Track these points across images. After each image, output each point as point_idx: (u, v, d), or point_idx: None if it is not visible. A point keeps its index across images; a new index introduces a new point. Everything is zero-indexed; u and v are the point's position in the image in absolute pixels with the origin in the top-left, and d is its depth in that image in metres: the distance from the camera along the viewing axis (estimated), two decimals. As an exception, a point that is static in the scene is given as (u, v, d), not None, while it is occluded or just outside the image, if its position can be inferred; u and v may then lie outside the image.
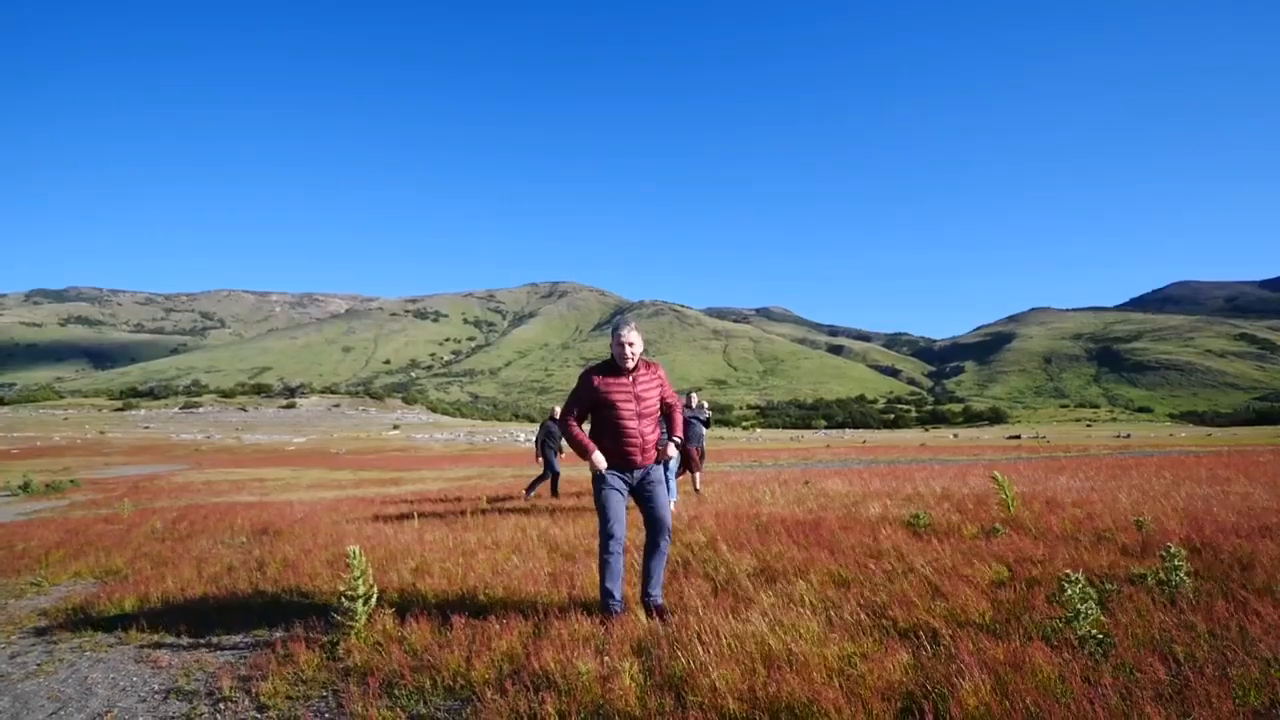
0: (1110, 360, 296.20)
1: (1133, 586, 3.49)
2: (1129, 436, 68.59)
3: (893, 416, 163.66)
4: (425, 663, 3.18)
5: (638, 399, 3.73)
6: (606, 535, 3.67)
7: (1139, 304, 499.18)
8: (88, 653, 3.90)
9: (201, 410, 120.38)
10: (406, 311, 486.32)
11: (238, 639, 3.95)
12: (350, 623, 3.67)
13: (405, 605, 4.15)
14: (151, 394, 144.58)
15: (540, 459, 10.90)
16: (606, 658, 2.96)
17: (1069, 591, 2.84)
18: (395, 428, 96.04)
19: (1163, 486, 8.68)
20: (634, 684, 2.64)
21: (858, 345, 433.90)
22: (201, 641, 3.94)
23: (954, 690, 2.34)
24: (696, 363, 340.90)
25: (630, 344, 3.68)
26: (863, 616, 3.30)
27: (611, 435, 3.72)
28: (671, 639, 3.13)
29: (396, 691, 2.94)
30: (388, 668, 3.16)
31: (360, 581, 3.75)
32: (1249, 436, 59.34)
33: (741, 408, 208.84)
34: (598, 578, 3.74)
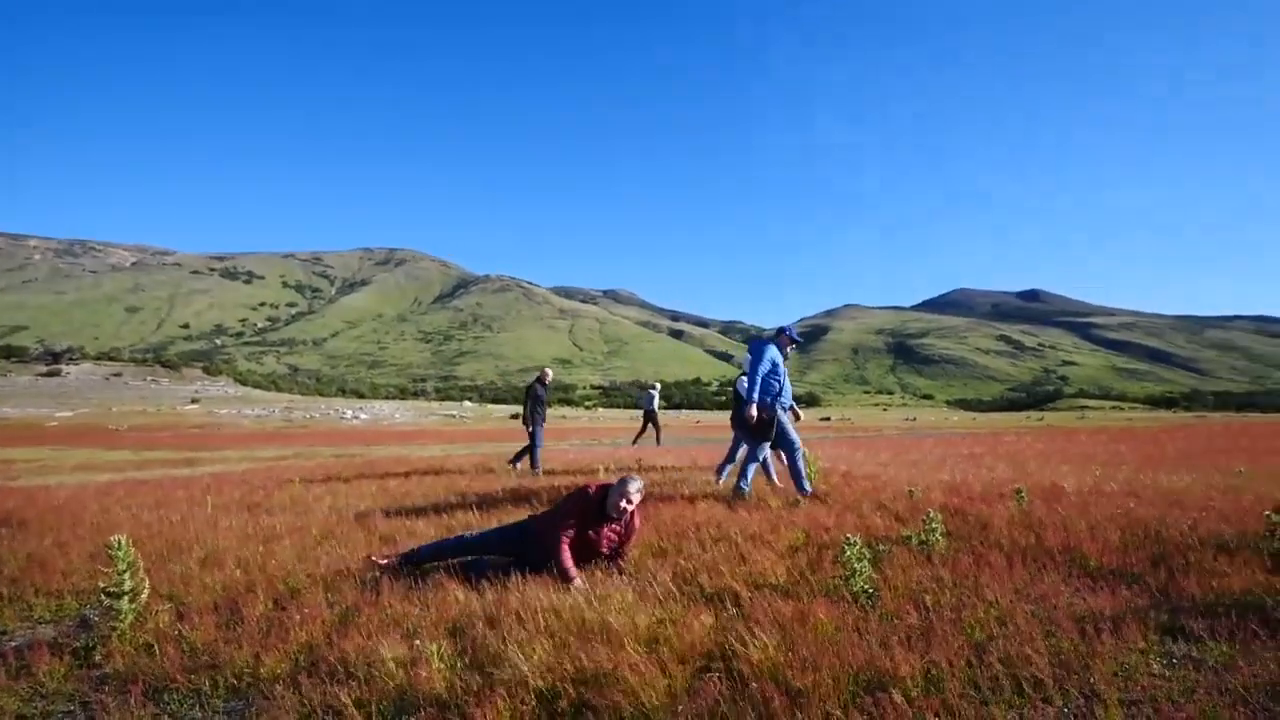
0: (904, 353, 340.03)
1: (900, 547, 4.05)
2: (915, 419, 79.30)
3: (724, 398, 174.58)
4: (206, 662, 2.85)
5: (599, 541, 3.88)
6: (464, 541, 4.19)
7: (929, 305, 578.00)
8: None
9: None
10: (211, 270, 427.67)
11: (-46, 653, 3.26)
12: (113, 624, 3.19)
13: (189, 600, 3.69)
14: None
15: (530, 430, 10.16)
16: (418, 641, 2.85)
17: (848, 553, 3.22)
18: (194, 401, 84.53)
19: (934, 461, 10.16)
20: (443, 666, 2.57)
21: (696, 331, 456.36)
22: (-101, 659, 3.20)
23: (746, 646, 2.55)
24: (542, 341, 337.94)
25: (632, 503, 3.87)
26: (674, 585, 3.49)
27: (544, 549, 3.84)
28: (489, 617, 3.09)
29: (166, 697, 2.61)
30: (157, 671, 2.79)
31: (126, 575, 3.26)
32: (1002, 420, 71.25)
33: (585, 387, 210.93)
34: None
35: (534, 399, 10.37)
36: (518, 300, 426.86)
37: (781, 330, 6.44)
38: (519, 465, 10.40)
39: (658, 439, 17.09)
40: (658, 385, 17.86)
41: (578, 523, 3.81)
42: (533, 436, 10.23)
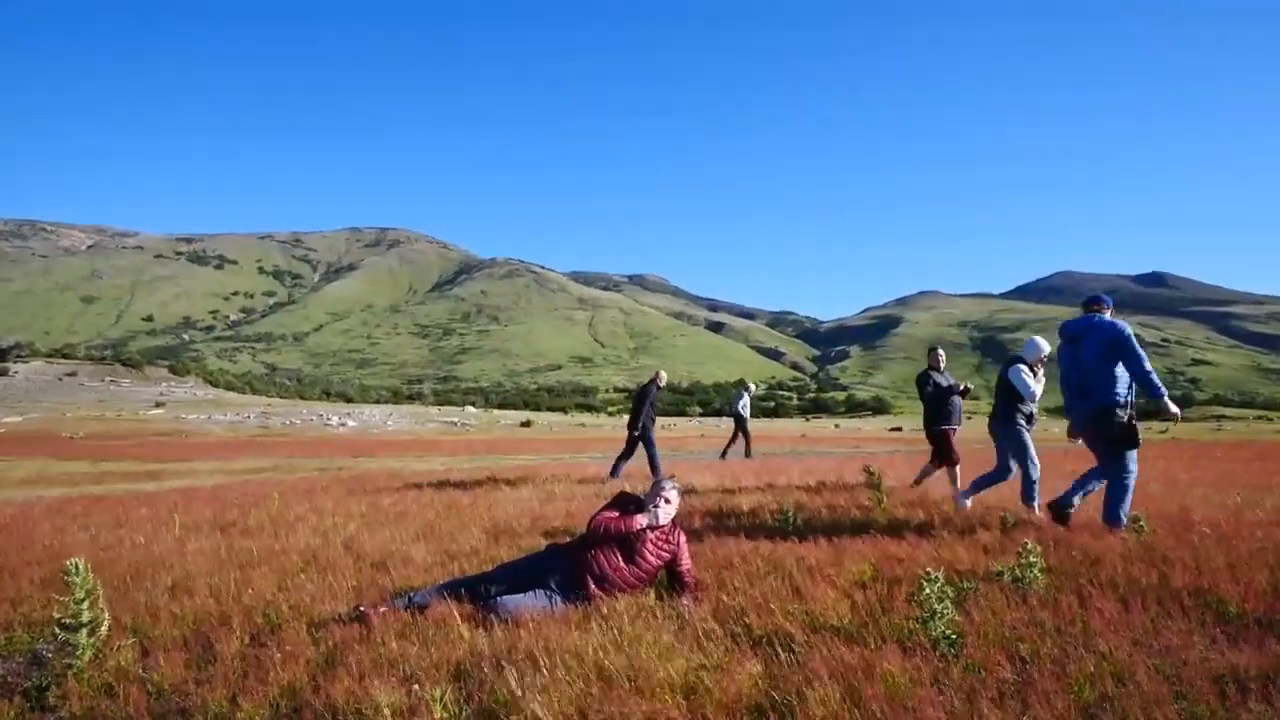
0: (993, 350, 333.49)
1: (989, 584, 3.98)
2: (1006, 430, 77.74)
3: (773, 404, 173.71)
4: (174, 706, 2.94)
5: (634, 554, 4.12)
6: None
7: (1023, 292, 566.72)
8: None
9: None
10: (178, 253, 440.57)
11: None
12: (69, 660, 3.31)
13: (155, 634, 3.80)
14: None
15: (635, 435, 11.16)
16: (416, 686, 2.89)
17: (926, 591, 3.17)
18: (159, 405, 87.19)
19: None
20: (446, 716, 2.61)
21: (739, 323, 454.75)
22: None
23: (803, 700, 2.54)
24: (558, 335, 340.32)
25: (670, 501, 4.33)
26: (716, 625, 3.48)
27: (580, 564, 4.07)
28: (499, 659, 3.12)
29: (129, 745, 2.70)
30: (119, 716, 2.88)
31: (85, 605, 3.38)
32: (1114, 432, 69.47)
33: (608, 390, 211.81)
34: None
35: (645, 401, 11.33)
36: (529, 288, 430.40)
37: (1099, 301, 5.81)
38: (652, 477, 11.07)
39: (747, 449, 16.95)
40: (751, 387, 17.78)
41: (616, 511, 4.31)
42: (648, 442, 11.18)
